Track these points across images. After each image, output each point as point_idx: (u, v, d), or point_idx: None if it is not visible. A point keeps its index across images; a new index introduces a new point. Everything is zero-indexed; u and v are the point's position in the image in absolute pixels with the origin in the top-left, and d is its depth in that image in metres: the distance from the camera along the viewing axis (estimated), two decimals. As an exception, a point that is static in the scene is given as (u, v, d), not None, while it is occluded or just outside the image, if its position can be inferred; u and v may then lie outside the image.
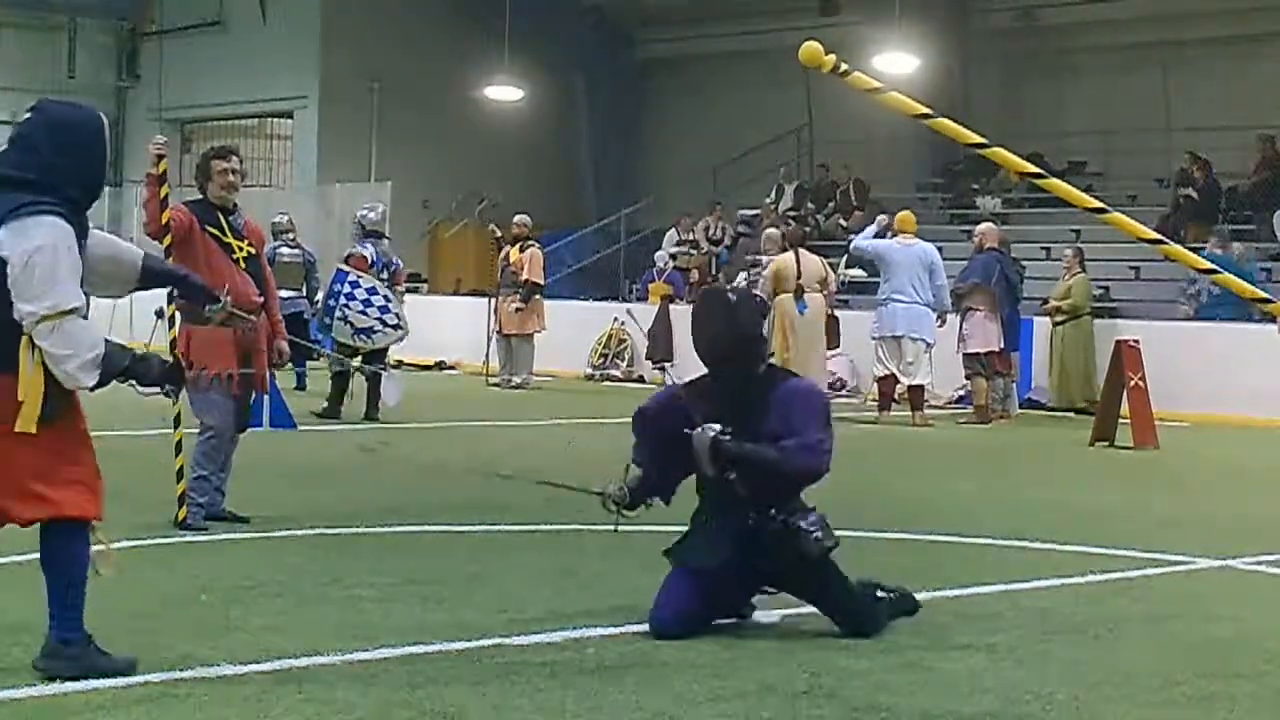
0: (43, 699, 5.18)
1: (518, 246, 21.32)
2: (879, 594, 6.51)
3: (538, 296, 21.25)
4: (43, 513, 5.39)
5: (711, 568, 6.31)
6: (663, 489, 6.62)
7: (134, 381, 5.62)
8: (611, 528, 6.69)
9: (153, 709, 5.13)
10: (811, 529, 6.27)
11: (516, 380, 20.98)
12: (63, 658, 5.41)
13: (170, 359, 5.64)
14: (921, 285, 16.91)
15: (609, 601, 6.76)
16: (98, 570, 5.49)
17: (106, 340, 5.45)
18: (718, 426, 6.28)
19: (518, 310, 21.06)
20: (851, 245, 18.72)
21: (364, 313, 16.07)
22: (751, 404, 6.35)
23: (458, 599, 7.00)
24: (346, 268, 16.36)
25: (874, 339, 17.21)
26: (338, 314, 16.01)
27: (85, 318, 5.34)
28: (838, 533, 6.44)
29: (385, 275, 16.77)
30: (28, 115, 5.57)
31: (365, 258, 16.62)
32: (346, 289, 16.08)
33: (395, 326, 16.28)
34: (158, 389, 5.77)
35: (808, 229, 24.12)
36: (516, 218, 21.79)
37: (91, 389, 5.39)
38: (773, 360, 6.74)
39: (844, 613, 6.33)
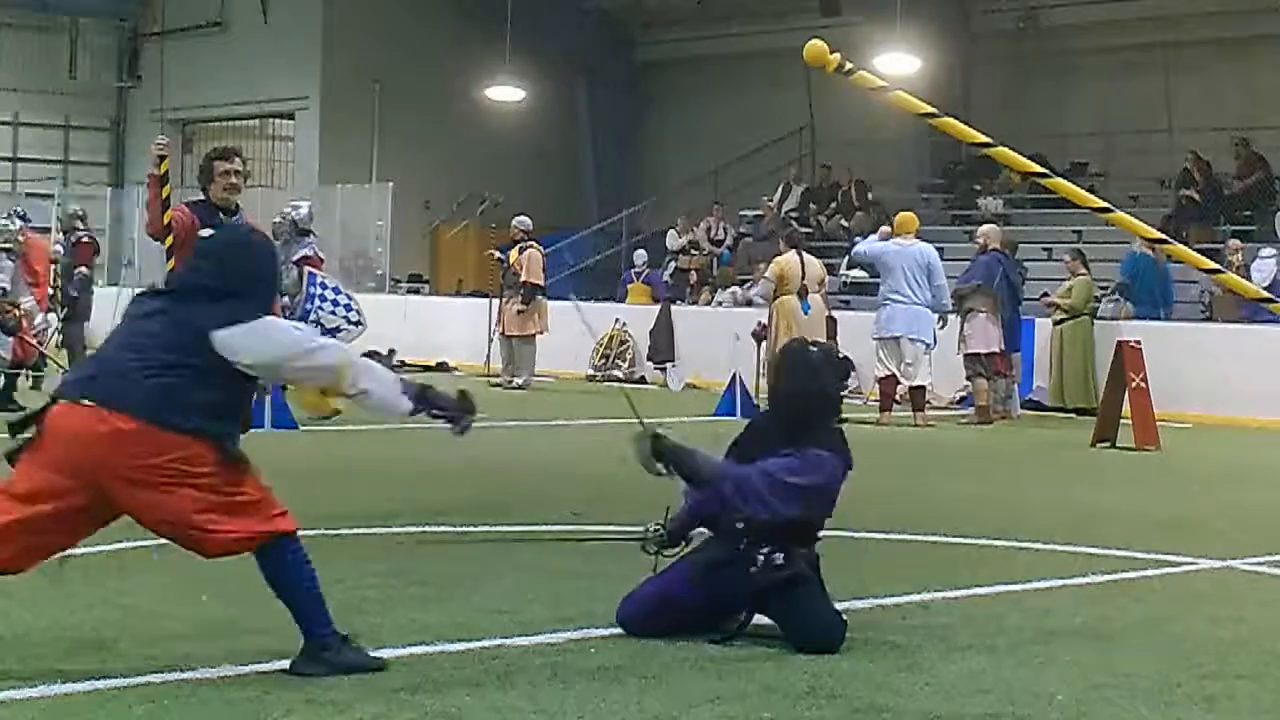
0: (45, 699, 5.18)
1: (517, 248, 21.34)
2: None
3: (540, 297, 21.26)
4: (245, 545, 5.60)
5: (690, 580, 6.26)
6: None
7: (436, 412, 5.99)
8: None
9: (153, 709, 5.12)
10: (776, 559, 6.14)
11: (518, 381, 21.00)
12: (319, 660, 5.58)
13: (460, 390, 6.13)
14: (920, 286, 16.89)
15: (609, 602, 6.74)
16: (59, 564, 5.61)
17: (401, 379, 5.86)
18: (658, 427, 6.24)
19: (520, 312, 21.09)
20: (852, 251, 18.71)
21: (333, 313, 16.09)
22: (786, 447, 6.26)
23: (458, 599, 7.00)
24: (315, 270, 16.38)
25: (874, 340, 17.21)
26: (311, 317, 16.03)
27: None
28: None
29: None
30: (211, 241, 6.26)
31: (322, 258, 16.87)
32: (319, 291, 16.08)
33: (357, 323, 16.29)
34: (450, 419, 6.06)
35: (808, 230, 24.13)
36: (515, 220, 21.84)
37: (410, 414, 5.85)
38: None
39: (809, 632, 6.08)
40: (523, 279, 20.99)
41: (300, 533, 5.70)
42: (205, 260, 5.87)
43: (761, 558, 6.14)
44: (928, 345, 16.98)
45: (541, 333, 21.31)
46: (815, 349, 6.64)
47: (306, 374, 5.77)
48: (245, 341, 5.53)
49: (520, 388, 20.87)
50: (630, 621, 6.27)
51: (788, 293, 17.48)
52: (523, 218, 21.87)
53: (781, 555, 6.13)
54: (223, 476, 5.49)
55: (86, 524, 5.53)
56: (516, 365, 21.26)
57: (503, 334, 21.55)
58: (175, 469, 5.38)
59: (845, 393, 6.64)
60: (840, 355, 6.79)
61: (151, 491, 5.38)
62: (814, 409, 6.38)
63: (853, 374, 6.79)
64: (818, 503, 6.26)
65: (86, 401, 5.39)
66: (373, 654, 5.74)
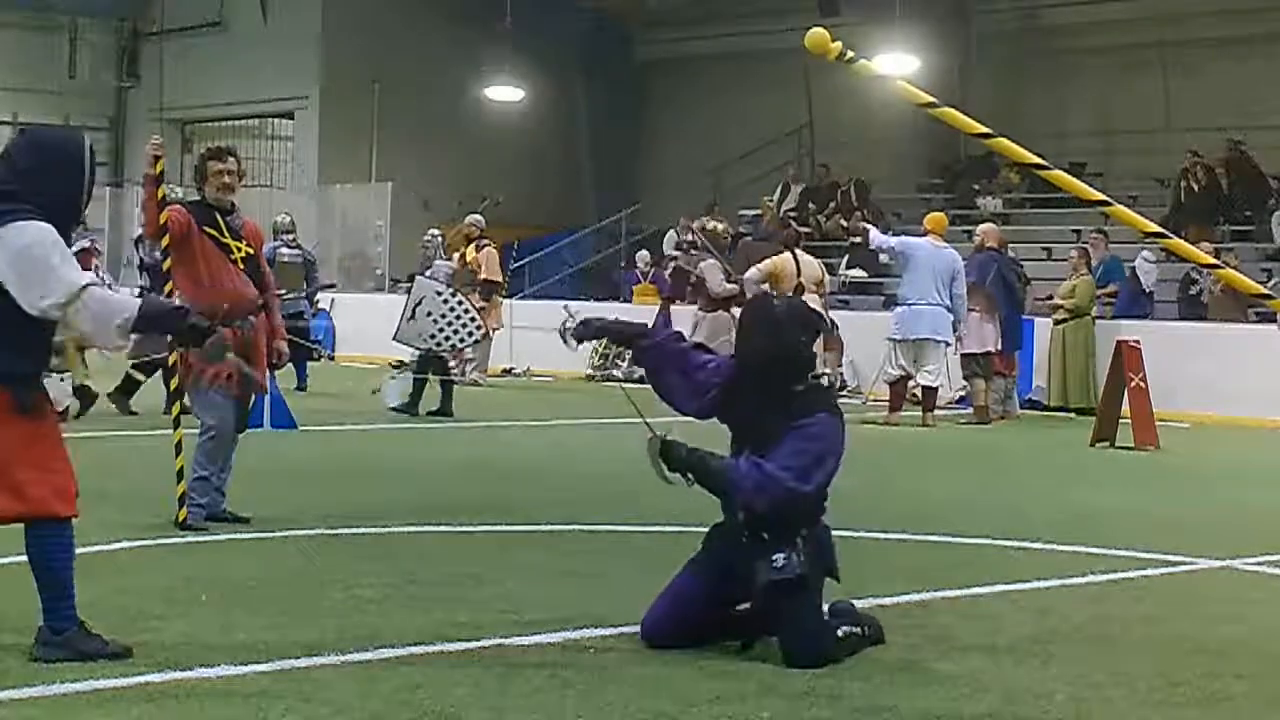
0: (43, 699, 5.18)
1: (473, 245, 21.36)
2: (842, 630, 6.08)
3: (496, 295, 21.32)
4: (18, 509, 5.54)
5: (703, 579, 6.16)
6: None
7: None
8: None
9: (153, 709, 5.12)
10: (776, 560, 5.98)
11: (471, 377, 21.05)
12: (53, 644, 5.59)
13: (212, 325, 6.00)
14: (943, 288, 16.85)
15: (609, 601, 6.75)
16: None
17: (146, 301, 5.77)
18: (668, 431, 6.10)
19: (480, 309, 21.14)
20: (876, 238, 18.42)
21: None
22: (773, 423, 6.08)
23: (458, 599, 7.00)
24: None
25: (892, 340, 17.06)
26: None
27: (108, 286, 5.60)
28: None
29: None
30: (16, 136, 5.87)
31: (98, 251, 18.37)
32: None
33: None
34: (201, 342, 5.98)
35: (806, 229, 24.12)
36: (469, 218, 22.03)
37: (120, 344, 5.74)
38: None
39: (795, 643, 5.92)
40: (481, 276, 21.00)
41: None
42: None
43: (763, 563, 6.01)
44: (948, 345, 17.06)
45: (497, 329, 21.35)
46: (779, 304, 6.46)
47: (40, 290, 5.42)
48: None
49: (474, 384, 20.87)
50: (653, 635, 6.13)
51: (782, 293, 17.46)
52: (476, 216, 22.12)
53: (782, 556, 5.99)
54: (15, 429, 5.47)
55: None
56: (477, 361, 21.39)
57: None
58: None
59: (838, 379, 6.51)
60: (810, 309, 6.55)
61: None
62: (781, 367, 6.15)
63: (823, 330, 6.52)
64: (828, 469, 6.08)
65: None
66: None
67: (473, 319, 16.73)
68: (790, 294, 17.40)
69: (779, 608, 5.99)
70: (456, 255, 21.22)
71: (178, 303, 5.94)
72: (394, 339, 16.92)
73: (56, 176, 5.62)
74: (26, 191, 5.53)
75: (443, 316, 16.50)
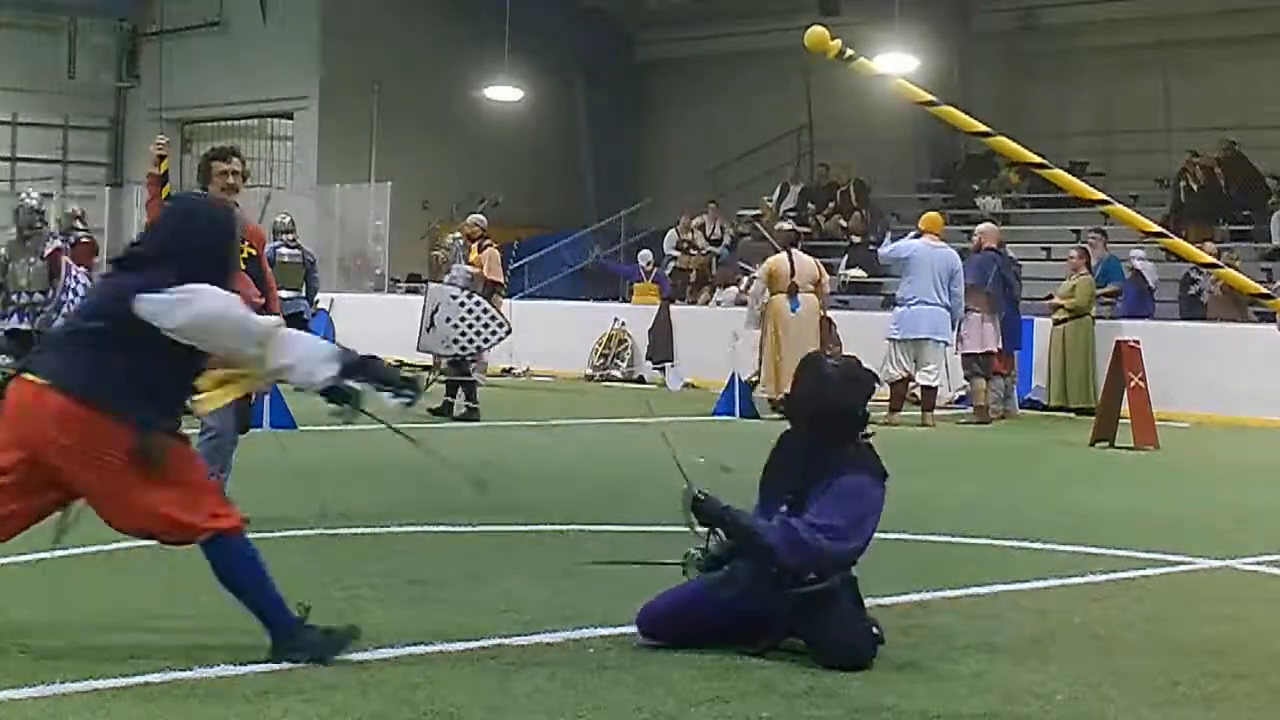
0: (43, 699, 5.18)
1: (475, 246, 21.27)
2: (875, 630, 6.06)
3: (497, 295, 21.26)
4: (186, 536, 5.63)
5: (720, 599, 6.09)
6: None
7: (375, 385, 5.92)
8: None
9: (153, 709, 5.12)
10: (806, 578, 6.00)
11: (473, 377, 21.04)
12: (287, 648, 5.64)
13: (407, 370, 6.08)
14: (942, 288, 16.87)
15: (609, 602, 6.74)
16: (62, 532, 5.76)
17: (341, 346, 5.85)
18: (702, 484, 6.13)
19: None
20: (884, 253, 18.47)
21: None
22: (816, 480, 6.11)
23: (458, 599, 7.00)
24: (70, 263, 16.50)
25: (892, 340, 17.06)
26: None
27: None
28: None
29: None
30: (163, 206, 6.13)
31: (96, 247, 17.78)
32: (74, 284, 15.95)
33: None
34: (394, 394, 6.01)
35: (805, 229, 24.10)
36: (470, 218, 21.91)
37: (329, 389, 5.78)
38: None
39: (832, 652, 5.91)
40: (486, 277, 20.93)
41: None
42: (150, 227, 5.92)
43: (791, 580, 6.00)
44: (948, 344, 17.06)
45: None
46: (833, 363, 6.47)
47: (231, 340, 5.62)
48: (167, 305, 5.49)
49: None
50: (648, 628, 6.14)
51: (777, 292, 17.50)
52: (479, 216, 21.98)
53: (814, 574, 6.01)
54: (134, 467, 5.48)
55: (48, 496, 5.59)
56: (478, 362, 21.40)
57: None
58: (91, 445, 5.44)
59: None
60: (864, 369, 6.57)
61: (74, 464, 5.46)
62: (830, 425, 6.21)
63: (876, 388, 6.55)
64: (866, 532, 6.12)
65: (29, 376, 5.50)
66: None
67: (493, 318, 16.79)
68: (784, 293, 17.50)
69: (815, 622, 5.97)
70: None
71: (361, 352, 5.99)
72: (418, 349, 16.94)
73: (200, 237, 5.70)
74: (172, 256, 5.61)
75: (462, 320, 16.55)
